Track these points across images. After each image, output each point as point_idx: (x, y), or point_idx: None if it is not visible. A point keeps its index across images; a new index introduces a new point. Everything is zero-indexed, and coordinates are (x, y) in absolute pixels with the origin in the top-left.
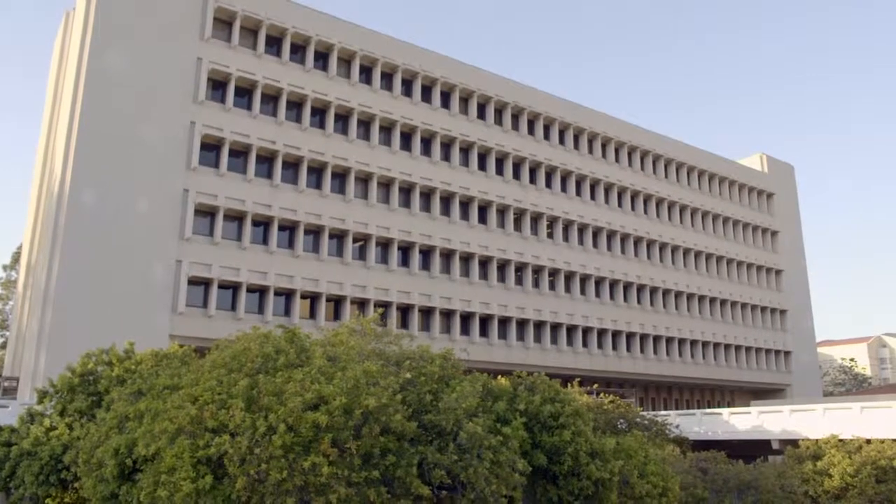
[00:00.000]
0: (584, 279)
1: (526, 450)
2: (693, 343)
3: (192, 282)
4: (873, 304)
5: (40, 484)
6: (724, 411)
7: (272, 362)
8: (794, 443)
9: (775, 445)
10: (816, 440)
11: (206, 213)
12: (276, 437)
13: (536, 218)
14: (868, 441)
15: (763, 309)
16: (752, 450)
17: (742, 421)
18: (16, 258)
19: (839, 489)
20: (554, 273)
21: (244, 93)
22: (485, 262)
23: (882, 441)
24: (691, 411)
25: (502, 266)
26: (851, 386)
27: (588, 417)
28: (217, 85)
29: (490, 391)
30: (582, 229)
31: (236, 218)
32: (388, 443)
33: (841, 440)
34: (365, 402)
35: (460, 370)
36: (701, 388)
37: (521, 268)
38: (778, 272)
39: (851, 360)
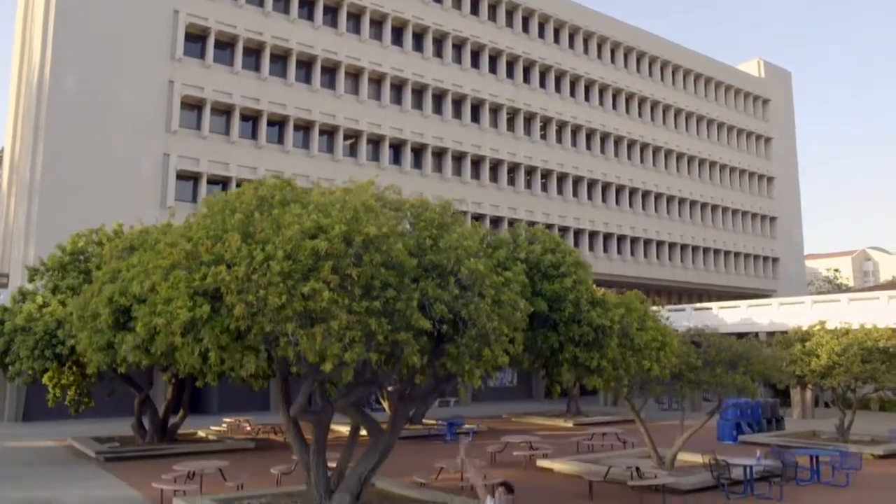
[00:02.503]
0: (577, 181)
1: (527, 296)
2: (683, 247)
3: (181, 176)
4: (861, 217)
5: (35, 359)
6: (714, 305)
7: (267, 203)
8: (782, 335)
9: (763, 338)
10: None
11: (193, 105)
12: (275, 263)
13: (529, 118)
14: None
15: (754, 216)
16: None
17: (731, 314)
18: None
19: (826, 367)
20: (546, 174)
21: None
22: (477, 162)
23: (869, 326)
24: (681, 307)
25: (494, 166)
26: None
27: (589, 268)
28: None
29: (490, 241)
30: (575, 131)
31: (224, 111)
32: (388, 276)
33: (829, 330)
34: (365, 230)
35: (460, 220)
36: (689, 292)
37: (513, 168)
38: (770, 179)
39: (836, 270)
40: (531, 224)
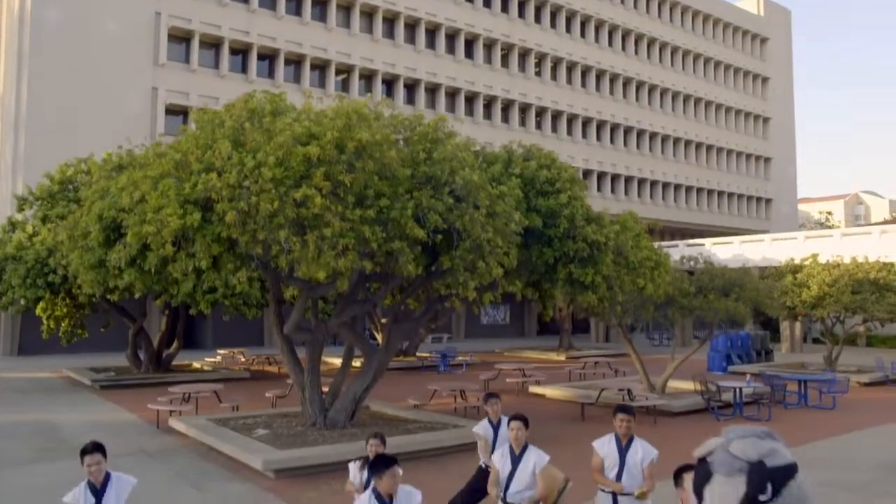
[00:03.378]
0: (571, 119)
1: (521, 212)
2: (677, 187)
3: (170, 111)
4: (855, 162)
5: (28, 287)
6: (707, 241)
7: (258, 115)
8: (774, 269)
9: (756, 273)
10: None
11: (181, 38)
12: (266, 170)
13: (524, 54)
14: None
15: (748, 156)
16: None
17: (724, 250)
18: None
19: (816, 298)
20: (540, 112)
21: None
22: (471, 98)
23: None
24: (674, 242)
25: (488, 103)
26: None
27: (584, 185)
28: None
29: (485, 157)
30: (570, 68)
31: (213, 45)
32: (382, 186)
33: (820, 262)
34: (358, 136)
35: (453, 136)
36: (682, 232)
37: (507, 105)
38: (766, 119)
39: (828, 213)
40: None
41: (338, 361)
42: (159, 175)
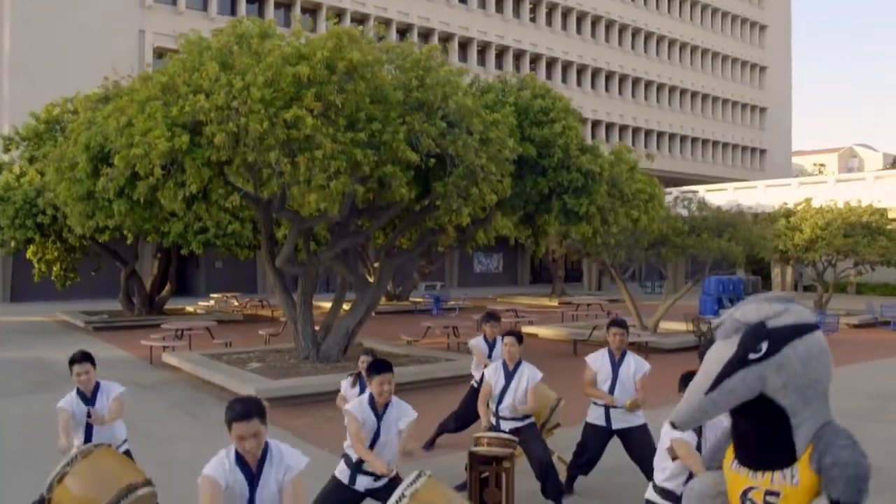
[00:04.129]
0: (566, 66)
1: (515, 141)
2: (671, 136)
3: (158, 53)
4: (850, 117)
5: (17, 228)
6: (701, 188)
7: (246, 39)
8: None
9: (749, 219)
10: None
11: None
12: (255, 90)
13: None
14: None
15: (744, 106)
16: None
17: (718, 196)
18: None
19: (808, 241)
20: (535, 59)
21: None
22: (464, 45)
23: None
24: (668, 190)
25: (482, 49)
26: None
27: (578, 115)
28: None
29: (479, 86)
30: (566, 14)
31: None
32: (374, 110)
33: (813, 206)
34: (349, 56)
35: (445, 63)
36: (675, 181)
37: (501, 52)
38: (763, 69)
39: (821, 165)
40: None
41: (328, 305)
42: (146, 99)
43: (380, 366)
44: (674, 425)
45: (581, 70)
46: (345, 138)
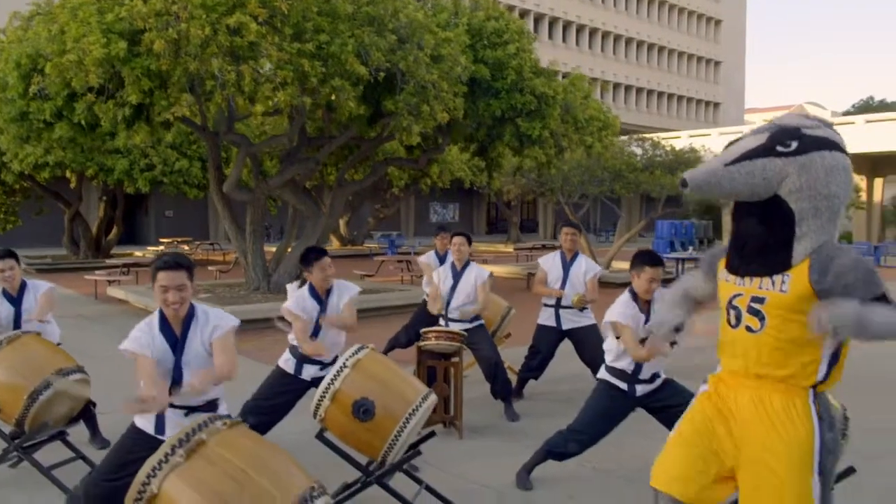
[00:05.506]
0: (524, 14)
1: (468, 60)
2: (627, 88)
3: None
4: (802, 72)
5: None
6: (655, 135)
7: None
8: None
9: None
10: None
11: None
12: None
13: None
14: None
15: (699, 59)
16: None
17: (672, 143)
18: None
19: None
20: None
21: None
22: None
23: None
24: (623, 137)
25: None
26: None
27: (532, 38)
28: None
29: (432, 6)
30: None
31: None
32: (322, 22)
33: None
34: None
35: None
36: (632, 133)
37: None
38: (717, 22)
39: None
40: None
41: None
42: (79, 4)
43: (318, 251)
44: (684, 183)
45: (538, 19)
46: (291, 49)
